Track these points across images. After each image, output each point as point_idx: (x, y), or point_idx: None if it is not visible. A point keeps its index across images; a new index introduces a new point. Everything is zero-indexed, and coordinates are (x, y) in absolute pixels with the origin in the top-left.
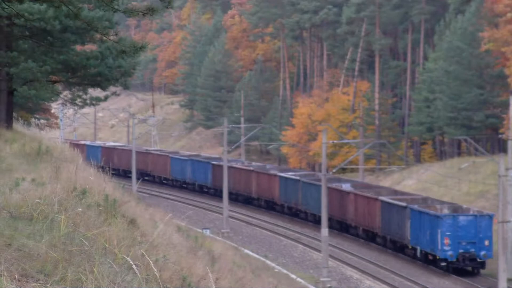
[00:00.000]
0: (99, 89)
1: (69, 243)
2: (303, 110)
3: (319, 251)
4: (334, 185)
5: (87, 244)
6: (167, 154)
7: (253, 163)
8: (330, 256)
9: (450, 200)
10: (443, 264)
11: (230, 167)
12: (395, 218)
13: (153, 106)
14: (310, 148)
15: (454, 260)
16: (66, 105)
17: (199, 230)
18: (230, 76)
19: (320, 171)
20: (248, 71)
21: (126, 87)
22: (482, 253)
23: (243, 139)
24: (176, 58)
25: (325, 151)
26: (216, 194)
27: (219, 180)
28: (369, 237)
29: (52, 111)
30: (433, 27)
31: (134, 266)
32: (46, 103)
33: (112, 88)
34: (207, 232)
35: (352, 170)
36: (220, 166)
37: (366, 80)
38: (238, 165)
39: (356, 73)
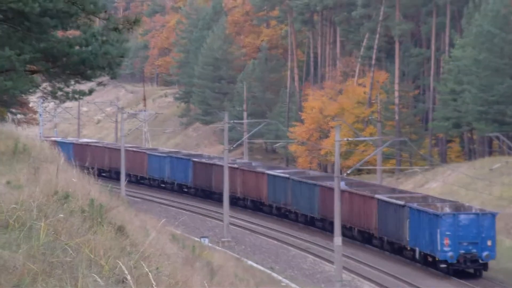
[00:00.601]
0: (82, 81)
1: (50, 254)
2: (313, 103)
3: (331, 262)
4: (328, 183)
5: (70, 254)
6: (144, 151)
7: (238, 160)
8: (344, 268)
9: (480, 205)
10: (443, 266)
11: (212, 164)
12: (392, 218)
13: (144, 99)
14: (322, 147)
15: (455, 261)
16: (46, 98)
17: (197, 239)
18: (231, 65)
19: (332, 172)
20: (251, 60)
21: (113, 76)
22: (485, 254)
23: (246, 136)
24: (170, 45)
25: (338, 150)
26: (197, 194)
27: (200, 178)
28: (365, 239)
29: (31, 105)
30: (461, 9)
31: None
32: (23, 96)
33: (98, 79)
34: (206, 241)
35: (369, 172)
36: (202, 163)
37: (384, 70)
38: (221, 162)
39: (373, 62)
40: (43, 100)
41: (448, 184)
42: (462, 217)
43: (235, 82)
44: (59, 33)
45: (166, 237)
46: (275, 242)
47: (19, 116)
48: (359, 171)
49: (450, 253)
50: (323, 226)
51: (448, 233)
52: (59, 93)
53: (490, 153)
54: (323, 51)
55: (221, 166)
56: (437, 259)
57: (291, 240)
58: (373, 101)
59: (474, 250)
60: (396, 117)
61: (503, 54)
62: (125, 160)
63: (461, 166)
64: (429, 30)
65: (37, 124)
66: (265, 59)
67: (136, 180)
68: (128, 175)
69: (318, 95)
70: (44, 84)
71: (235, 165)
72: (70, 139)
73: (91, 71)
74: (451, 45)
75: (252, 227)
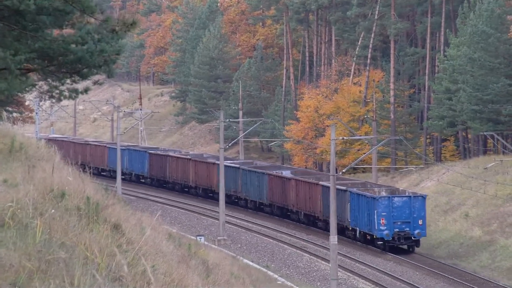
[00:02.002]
0: (78, 80)
1: (46, 252)
2: (309, 102)
3: (327, 260)
4: (274, 172)
5: (65, 252)
6: (104, 144)
7: (191, 152)
8: (340, 266)
9: (475, 204)
10: (380, 243)
11: (167, 156)
12: (338, 202)
13: (140, 97)
14: (317, 145)
15: (390, 239)
16: (43, 98)
17: (193, 237)
18: (227, 64)
19: (328, 170)
20: (247, 59)
21: (110, 75)
22: (416, 231)
23: (241, 135)
24: (166, 44)
25: (333, 149)
26: (153, 184)
27: (156, 169)
28: (311, 221)
29: (27, 103)
30: (456, 9)
31: (125, 274)
32: (20, 95)
33: (95, 77)
34: (202, 239)
35: (364, 170)
36: (157, 155)
37: (379, 69)
38: (176, 154)
39: (368, 61)
40: (40, 98)
41: (442, 182)
42: (396, 199)
43: (231, 81)
44: (55, 32)
45: (162, 235)
46: (271, 240)
47: (15, 114)
48: (354, 170)
49: (386, 232)
50: (271, 211)
51: (384, 214)
52: (55, 92)
53: (485, 152)
54: (318, 50)
55: (175, 157)
56: (374, 237)
57: (287, 238)
58: (369, 100)
59: (407, 229)
60: (392, 116)
61: (497, 53)
62: (88, 153)
63: (456, 165)
64: (424, 29)
65: (33, 122)
66: (261, 58)
67: (97, 172)
68: (89, 167)
69: (313, 94)
70: (40, 83)
71: (188, 157)
72: (42, 135)
73: (87, 69)
74: (446, 44)
75: (249, 226)
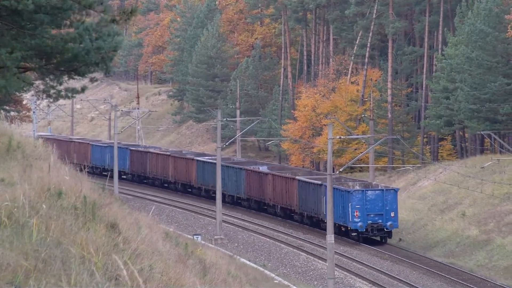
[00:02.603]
0: (76, 79)
1: (43, 251)
2: (306, 101)
3: (324, 260)
4: (252, 167)
5: (62, 251)
6: (88, 142)
7: (170, 149)
8: (337, 265)
9: (472, 203)
10: (354, 234)
11: (147, 152)
12: (311, 196)
13: (138, 96)
14: (314, 144)
15: (364, 230)
16: (41, 97)
17: (190, 237)
18: (224, 63)
19: (325, 170)
20: (245, 58)
21: (107, 72)
22: (389, 223)
23: (239, 134)
24: (164, 43)
25: (331, 148)
26: (134, 179)
27: (136, 165)
28: (287, 215)
29: (24, 102)
30: (454, 8)
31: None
32: (17, 93)
33: (92, 75)
34: (199, 238)
35: (362, 169)
36: (138, 152)
37: (377, 68)
38: (156, 150)
39: (366, 60)
40: (37, 98)
41: (439, 182)
42: (369, 193)
43: (229, 80)
44: (53, 31)
45: (159, 234)
46: (268, 239)
47: (12, 113)
48: (351, 169)
49: (359, 223)
50: (249, 205)
51: (357, 206)
52: (52, 91)
53: (482, 151)
54: (316, 49)
55: (155, 154)
56: (349, 228)
57: (284, 237)
58: (366, 99)
59: (380, 221)
60: (389, 115)
61: (495, 52)
62: (72, 150)
63: (453, 164)
64: (422, 28)
65: (31, 121)
66: (259, 57)
67: (80, 169)
68: (73, 163)
69: (311, 93)
70: (37, 82)
71: (168, 153)
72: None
73: (85, 67)
74: (444, 43)
75: (246, 225)
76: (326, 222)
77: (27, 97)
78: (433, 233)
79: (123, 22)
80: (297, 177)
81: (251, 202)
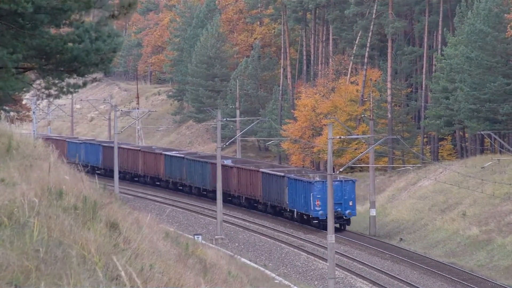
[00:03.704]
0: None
1: (43, 251)
2: (306, 101)
3: (324, 259)
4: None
5: (63, 251)
6: (64, 139)
7: (141, 145)
8: (337, 265)
9: (472, 203)
10: (315, 221)
11: (118, 148)
12: (274, 187)
13: (138, 96)
14: (314, 144)
15: (324, 218)
16: (41, 96)
17: (190, 237)
18: (224, 63)
19: (325, 169)
20: (244, 58)
21: (107, 72)
22: (347, 211)
23: (238, 134)
24: (163, 43)
25: (331, 148)
26: (106, 174)
27: (108, 160)
28: (251, 205)
29: (24, 102)
30: (453, 8)
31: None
32: (17, 93)
33: (91, 75)
34: (199, 238)
35: (362, 169)
36: (110, 148)
37: (377, 68)
38: (127, 146)
39: (366, 60)
40: (37, 97)
41: (440, 182)
42: None
43: (228, 80)
44: (52, 30)
45: (160, 234)
46: (268, 239)
47: (12, 113)
48: (351, 169)
49: (320, 212)
50: (214, 196)
51: (319, 196)
52: (53, 88)
53: (482, 151)
54: (316, 49)
55: (126, 149)
56: (310, 216)
57: (284, 237)
58: (366, 99)
59: (339, 209)
60: (389, 115)
61: (495, 52)
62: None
63: (453, 164)
64: (422, 28)
65: (31, 121)
66: (258, 57)
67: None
68: None
69: (310, 93)
70: (38, 81)
71: (138, 148)
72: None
73: (84, 67)
74: (444, 43)
75: (246, 225)
76: (288, 211)
77: (27, 97)
78: (433, 233)
79: (122, 17)
80: (261, 170)
81: (216, 194)
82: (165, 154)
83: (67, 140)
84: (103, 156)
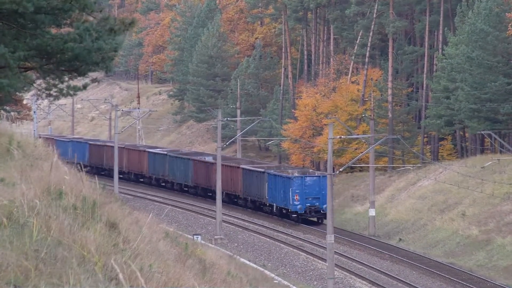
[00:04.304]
0: (76, 77)
1: (43, 251)
2: (307, 101)
3: (324, 260)
4: (198, 158)
5: (62, 251)
6: (52, 137)
7: (126, 143)
8: (337, 265)
9: (472, 203)
10: (294, 215)
11: (104, 146)
12: (255, 182)
13: (138, 96)
14: (315, 144)
15: (303, 212)
16: (40, 96)
17: (189, 237)
18: (225, 63)
19: (325, 169)
20: (245, 57)
21: (108, 71)
22: (325, 206)
23: (239, 133)
24: (164, 43)
25: (331, 148)
26: (92, 171)
27: (95, 158)
28: (231, 200)
29: (25, 102)
30: (454, 7)
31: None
32: (18, 93)
33: (93, 75)
34: (198, 238)
35: (362, 169)
36: (96, 145)
37: (378, 68)
38: (112, 144)
39: (366, 59)
40: (37, 97)
41: (440, 181)
42: (307, 179)
43: (229, 79)
44: (53, 31)
45: (159, 234)
46: (268, 239)
47: (13, 113)
48: (352, 169)
49: (299, 206)
50: (195, 192)
51: (297, 191)
52: (54, 89)
53: (482, 151)
54: (316, 49)
55: (110, 147)
56: (289, 211)
57: (283, 237)
58: (366, 99)
59: (317, 204)
60: (389, 114)
61: (496, 52)
62: None
63: (453, 164)
64: (423, 27)
65: (32, 121)
66: (259, 57)
67: None
68: None
69: (311, 93)
70: (39, 81)
71: (122, 146)
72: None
73: (85, 66)
74: (445, 42)
75: (245, 225)
76: (268, 206)
77: (28, 96)
78: (433, 233)
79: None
80: (241, 166)
81: (198, 189)
82: (149, 151)
83: (55, 138)
84: (89, 153)
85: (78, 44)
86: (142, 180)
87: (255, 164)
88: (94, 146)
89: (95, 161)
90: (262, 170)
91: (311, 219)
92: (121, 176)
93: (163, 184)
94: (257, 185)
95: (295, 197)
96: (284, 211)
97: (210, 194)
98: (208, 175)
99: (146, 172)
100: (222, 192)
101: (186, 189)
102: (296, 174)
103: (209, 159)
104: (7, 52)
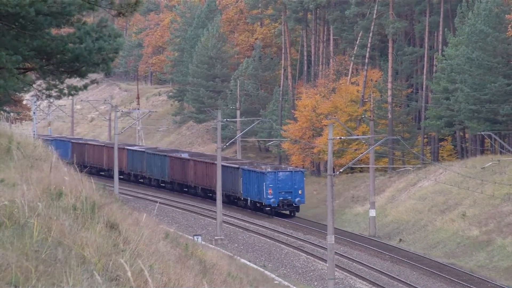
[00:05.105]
0: (76, 78)
1: (43, 251)
2: (306, 102)
3: (324, 260)
4: (175, 154)
5: (62, 252)
6: (38, 136)
7: (106, 141)
8: (337, 266)
9: (472, 204)
10: (268, 209)
11: (85, 144)
12: (229, 178)
13: (138, 97)
14: (315, 145)
15: (276, 205)
16: (41, 97)
17: (190, 237)
18: (225, 64)
19: (325, 170)
20: (245, 58)
21: (108, 72)
22: (297, 199)
23: (239, 134)
24: (164, 43)
25: (331, 148)
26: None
27: (77, 156)
28: (207, 195)
29: (24, 102)
30: (454, 8)
31: (122, 274)
32: (17, 94)
33: (92, 76)
34: (199, 239)
35: (362, 170)
36: (78, 144)
37: (377, 69)
38: (93, 142)
39: (366, 60)
40: (37, 98)
41: (440, 182)
42: (280, 174)
43: (229, 80)
44: (54, 31)
45: (159, 235)
46: (268, 240)
47: (12, 114)
48: (352, 170)
49: (272, 200)
50: (172, 187)
51: (271, 185)
52: (54, 90)
53: (482, 152)
54: (316, 50)
55: (92, 145)
56: (263, 204)
57: (284, 238)
58: (366, 100)
59: (289, 197)
60: (389, 115)
61: (496, 52)
62: None
63: (453, 165)
64: (423, 28)
65: (31, 121)
66: (259, 58)
67: None
68: None
69: (311, 93)
70: (38, 82)
71: (102, 144)
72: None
73: (86, 67)
74: (444, 43)
75: (246, 226)
76: (242, 200)
77: (27, 97)
78: (433, 233)
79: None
80: (216, 162)
81: (174, 185)
82: (128, 149)
83: (40, 137)
84: (72, 151)
85: (79, 45)
86: (122, 176)
87: (230, 161)
88: (77, 144)
89: (77, 159)
90: (237, 166)
91: (284, 212)
92: (102, 173)
93: (141, 180)
94: (231, 180)
95: (269, 191)
96: (258, 205)
97: (186, 189)
98: (184, 171)
99: (125, 168)
100: (198, 187)
101: (163, 184)
102: (269, 170)
103: (185, 155)
104: (5, 55)
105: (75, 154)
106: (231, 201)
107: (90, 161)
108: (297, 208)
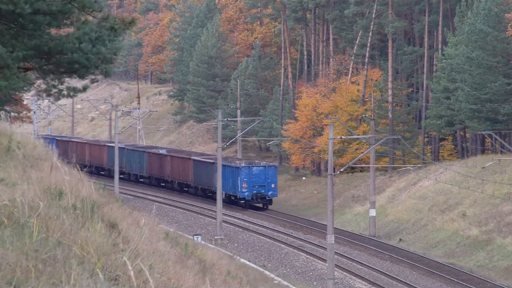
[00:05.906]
0: (76, 78)
1: (42, 251)
2: (307, 101)
3: (324, 260)
4: (153, 150)
5: (62, 251)
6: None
7: (89, 138)
8: (337, 266)
9: (473, 204)
10: (242, 201)
11: (69, 141)
12: (205, 172)
13: (138, 96)
14: (315, 144)
15: (250, 199)
16: (40, 96)
17: (190, 237)
18: (225, 63)
19: (326, 169)
20: (245, 57)
21: (107, 74)
22: (270, 193)
23: (239, 134)
24: (163, 43)
25: (331, 148)
26: None
27: (61, 152)
28: (183, 189)
29: (25, 102)
30: (453, 7)
31: (121, 274)
32: (17, 93)
33: (92, 76)
34: (199, 238)
35: (362, 169)
36: (62, 141)
37: (377, 68)
38: (76, 140)
39: (366, 59)
40: (37, 98)
41: (440, 182)
42: (254, 168)
43: (229, 79)
44: (53, 31)
45: (159, 234)
46: (268, 240)
47: (13, 113)
48: (352, 169)
49: (247, 193)
50: (149, 182)
51: (245, 179)
52: (53, 90)
53: (483, 151)
54: (316, 49)
55: (75, 142)
56: (238, 197)
57: (283, 238)
58: (367, 99)
59: (263, 191)
60: (390, 115)
61: (495, 52)
62: None
63: (454, 164)
64: (422, 28)
65: (31, 121)
66: (259, 57)
67: None
68: None
69: (311, 93)
70: (38, 82)
71: (84, 141)
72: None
73: (84, 69)
74: (444, 43)
75: (246, 225)
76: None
77: (27, 97)
78: (433, 233)
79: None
80: (192, 157)
81: (152, 179)
82: (108, 145)
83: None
84: (57, 148)
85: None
86: (103, 173)
87: (205, 156)
88: (61, 142)
89: (61, 155)
90: (212, 161)
91: (257, 205)
92: (84, 169)
93: (121, 176)
94: (207, 175)
95: (243, 185)
96: (233, 198)
97: (163, 184)
98: (161, 166)
99: (106, 165)
100: (175, 182)
101: (142, 180)
102: (243, 164)
103: (162, 151)
104: (5, 52)
105: (59, 150)
106: (206, 194)
107: (72, 157)
108: (270, 201)
